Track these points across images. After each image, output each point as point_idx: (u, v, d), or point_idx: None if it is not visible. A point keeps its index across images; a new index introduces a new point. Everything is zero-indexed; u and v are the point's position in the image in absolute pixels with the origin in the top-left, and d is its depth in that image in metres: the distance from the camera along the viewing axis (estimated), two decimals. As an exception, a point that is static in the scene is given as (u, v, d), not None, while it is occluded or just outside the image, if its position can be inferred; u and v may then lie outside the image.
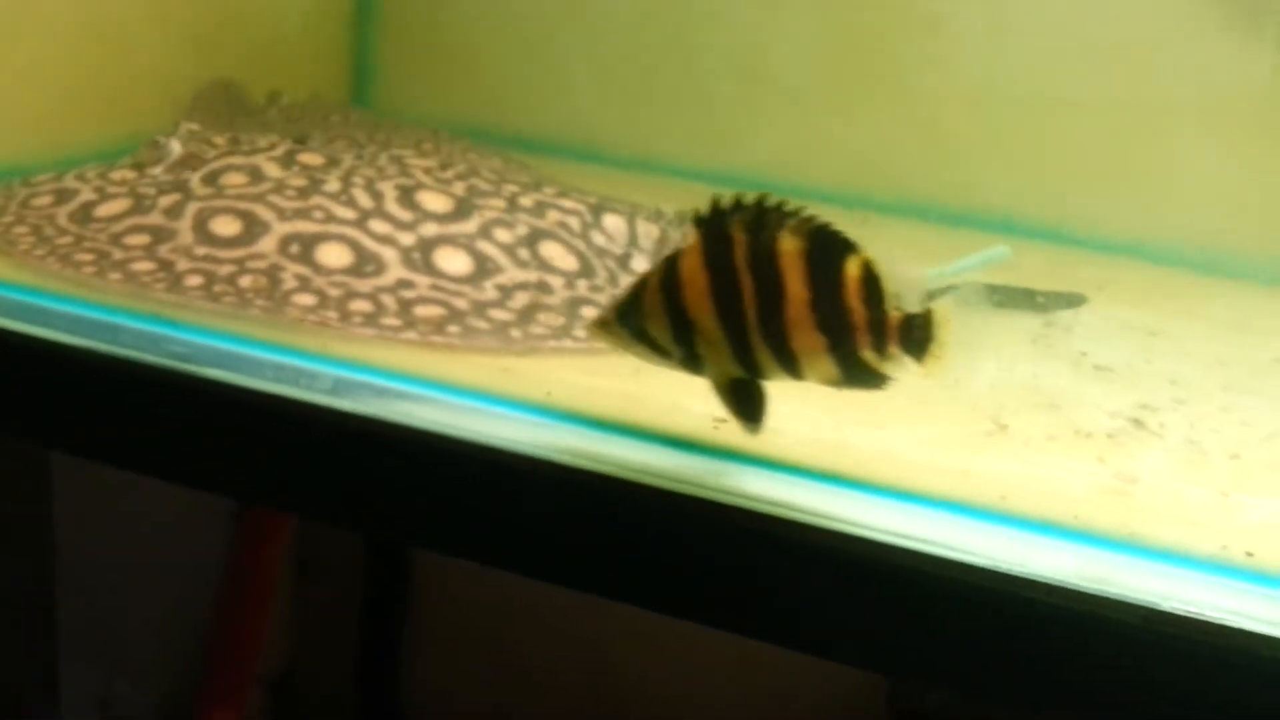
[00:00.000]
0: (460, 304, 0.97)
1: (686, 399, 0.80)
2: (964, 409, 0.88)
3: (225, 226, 1.02)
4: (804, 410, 0.80)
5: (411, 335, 0.91)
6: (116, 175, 1.11)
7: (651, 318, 0.73)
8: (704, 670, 1.81)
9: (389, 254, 1.01)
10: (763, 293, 0.70)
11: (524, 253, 1.06)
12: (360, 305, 0.94)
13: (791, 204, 0.69)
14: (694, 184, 1.68)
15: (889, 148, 1.54)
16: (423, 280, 1.00)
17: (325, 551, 2.15)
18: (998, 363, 0.95)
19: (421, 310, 0.95)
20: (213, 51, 1.45)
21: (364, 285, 0.97)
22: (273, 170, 1.09)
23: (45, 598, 1.64)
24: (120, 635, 1.74)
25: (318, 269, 0.98)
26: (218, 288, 0.94)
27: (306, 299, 0.94)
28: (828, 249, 0.69)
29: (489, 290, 1.00)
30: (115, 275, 0.95)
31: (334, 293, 0.95)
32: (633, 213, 1.17)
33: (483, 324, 0.95)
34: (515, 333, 0.95)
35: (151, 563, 1.77)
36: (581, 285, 1.05)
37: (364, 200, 1.06)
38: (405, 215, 1.06)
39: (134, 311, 0.92)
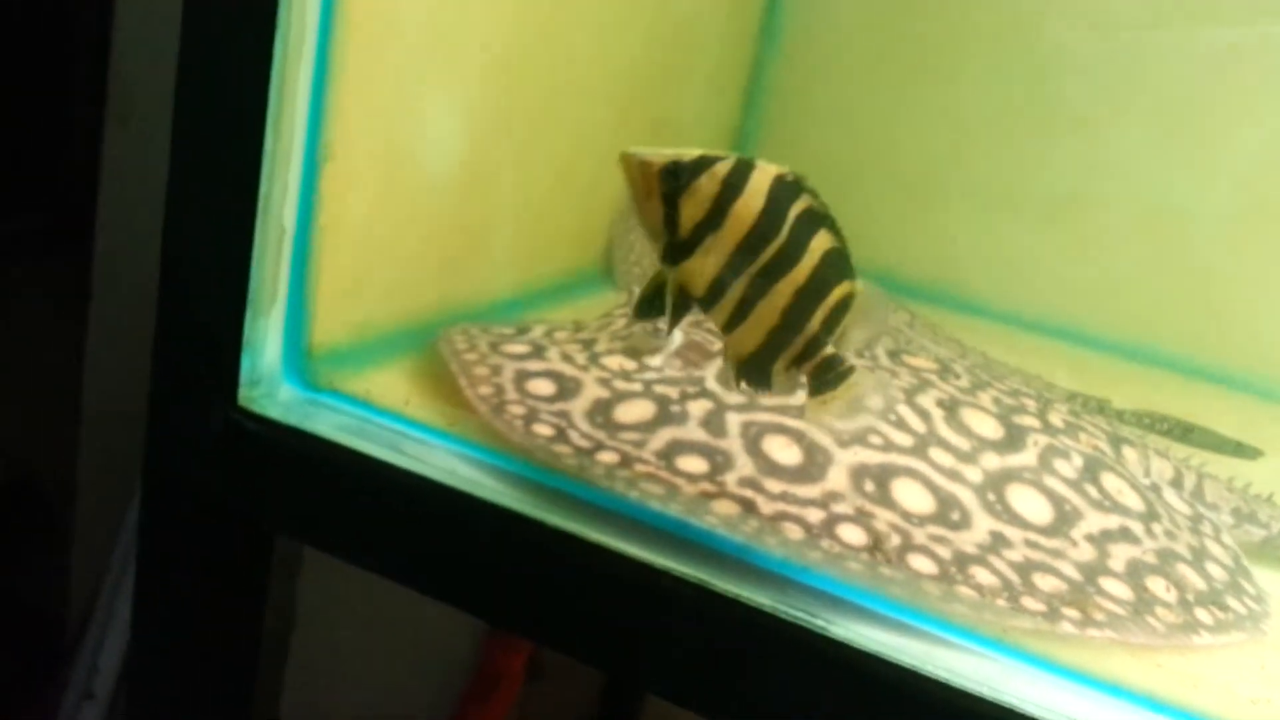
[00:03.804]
0: (1069, 569, 0.87)
1: None
2: None
3: (782, 452, 0.91)
4: None
5: (1067, 628, 0.81)
6: (614, 364, 1.01)
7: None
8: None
9: (966, 497, 0.91)
10: (778, 256, 0.76)
11: (1092, 490, 0.95)
12: (985, 577, 0.83)
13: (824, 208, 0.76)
14: (1064, 345, 1.61)
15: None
16: (1015, 534, 0.89)
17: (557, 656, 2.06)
18: None
19: (1043, 581, 0.85)
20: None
21: (965, 542, 0.86)
22: (793, 372, 0.99)
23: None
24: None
25: (906, 515, 0.88)
26: (846, 539, 0.83)
27: (928, 566, 0.83)
28: (839, 264, 0.76)
29: (1083, 546, 0.90)
30: (710, 519, 0.85)
31: (943, 552, 0.85)
32: (1144, 443, 1.07)
33: (1112, 605, 0.84)
34: (1157, 620, 0.84)
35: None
36: (1159, 532, 0.94)
37: (913, 421, 0.96)
38: (962, 443, 0.95)
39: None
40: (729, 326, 0.79)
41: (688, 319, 1.06)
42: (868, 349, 1.07)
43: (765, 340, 0.78)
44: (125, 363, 1.81)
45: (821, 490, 0.89)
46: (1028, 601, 0.81)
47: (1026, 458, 0.96)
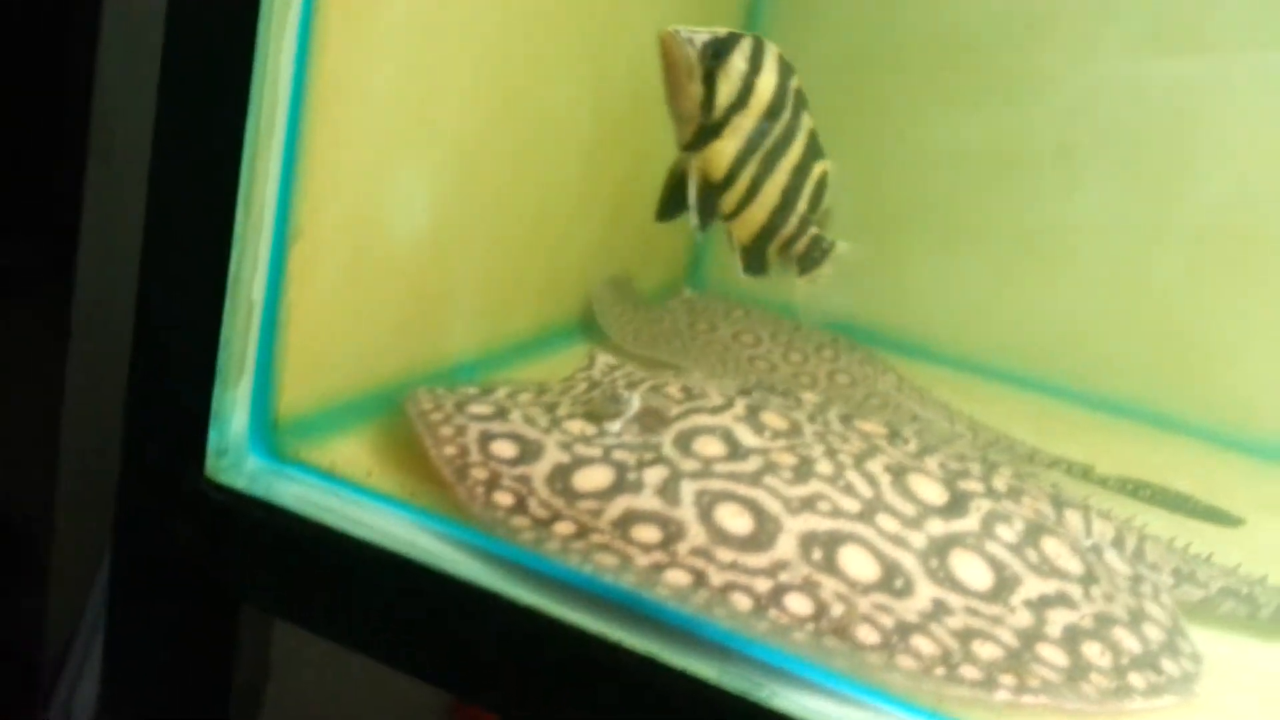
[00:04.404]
0: (1006, 636, 0.90)
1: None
2: None
3: (734, 520, 0.95)
4: None
5: (1003, 695, 0.84)
6: (575, 428, 1.04)
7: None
8: None
9: (910, 563, 0.94)
10: (783, 134, 0.80)
11: (1032, 554, 0.99)
12: (926, 646, 0.87)
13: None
14: (1029, 394, 1.65)
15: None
16: (955, 601, 0.93)
17: None
18: None
19: (981, 649, 0.88)
20: (599, 249, 1.42)
21: (907, 610, 0.90)
22: (748, 437, 1.03)
23: None
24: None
25: (851, 584, 0.91)
26: (792, 610, 0.86)
27: (870, 635, 0.86)
28: (817, 143, 0.81)
29: (1021, 612, 0.93)
30: (661, 590, 0.88)
31: (885, 620, 0.88)
32: (1086, 506, 1.10)
33: (1047, 671, 0.88)
34: (1091, 686, 0.88)
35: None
36: (1097, 595, 0.98)
37: (861, 487, 1.00)
38: (907, 509, 0.99)
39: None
40: (736, 212, 0.82)
41: (644, 385, 1.10)
42: (820, 413, 1.11)
43: (766, 221, 0.82)
44: (104, 401, 1.83)
45: (770, 559, 0.92)
46: (966, 670, 0.85)
47: (969, 523, 0.99)
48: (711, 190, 0.82)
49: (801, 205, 0.82)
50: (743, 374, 1.36)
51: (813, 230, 0.82)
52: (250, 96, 0.87)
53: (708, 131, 0.81)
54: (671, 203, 0.85)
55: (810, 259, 0.84)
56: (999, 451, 1.32)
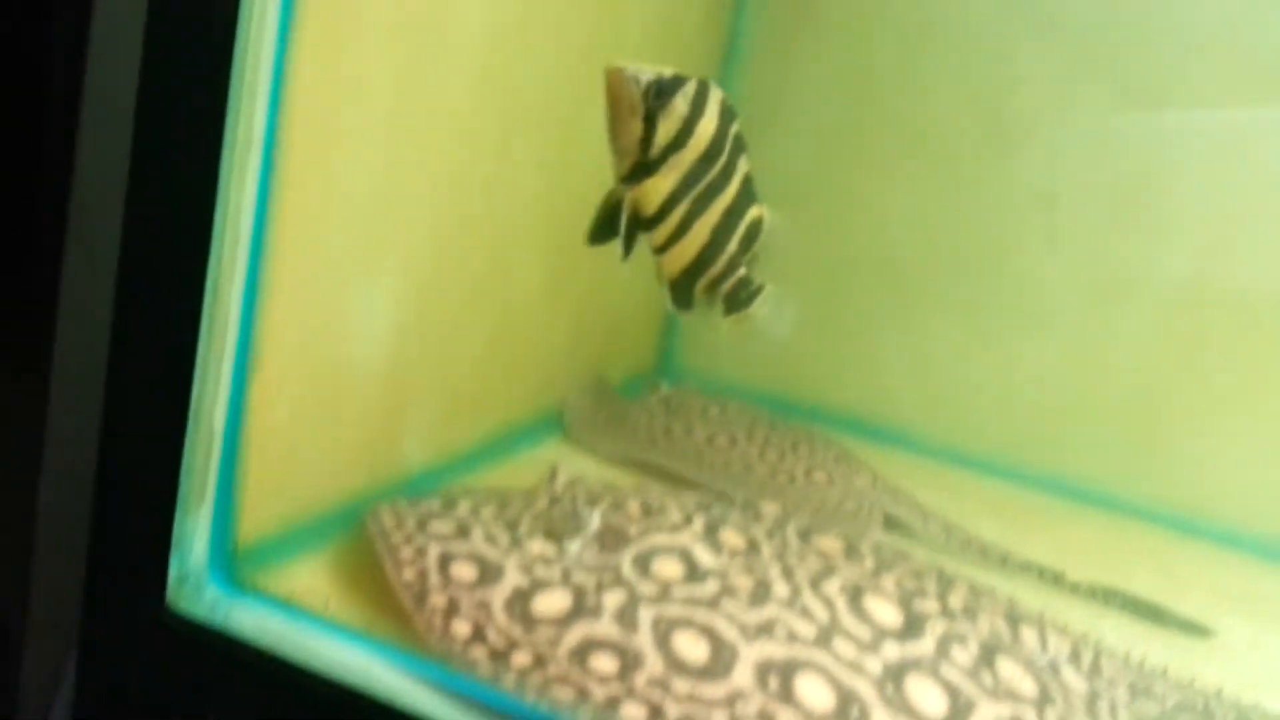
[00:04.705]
0: (961, 766, 0.91)
1: None
2: None
3: (691, 648, 0.95)
4: None
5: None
6: (535, 548, 1.05)
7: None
8: None
9: (866, 690, 0.95)
10: (719, 176, 0.83)
11: (987, 678, 1.00)
12: (879, 780, 0.87)
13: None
14: (1000, 482, 1.67)
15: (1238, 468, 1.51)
16: (911, 729, 0.93)
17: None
18: None
19: (934, 783, 0.89)
20: (567, 342, 1.44)
21: (862, 741, 0.91)
22: (705, 558, 1.04)
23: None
24: None
25: (807, 714, 0.92)
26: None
27: (824, 771, 0.87)
28: (752, 188, 0.84)
29: (975, 739, 0.94)
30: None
31: (839, 754, 0.89)
32: (1041, 621, 1.12)
33: (1000, 802, 0.89)
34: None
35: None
36: (1052, 718, 0.99)
37: (818, 610, 1.01)
38: (863, 632, 1.00)
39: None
40: (666, 246, 0.85)
41: (605, 501, 1.11)
42: (778, 528, 1.12)
43: (694, 258, 0.85)
44: (80, 483, 1.82)
45: (727, 689, 0.92)
46: (917, 807, 0.86)
47: (924, 646, 1.00)
48: (639, 223, 0.85)
49: (732, 246, 0.85)
50: (719, 479, 1.37)
51: (741, 272, 0.85)
52: (213, 234, 0.88)
53: (645, 167, 0.85)
54: (602, 230, 0.89)
55: (737, 299, 0.87)
56: (971, 555, 1.34)
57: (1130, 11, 1.54)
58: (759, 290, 0.89)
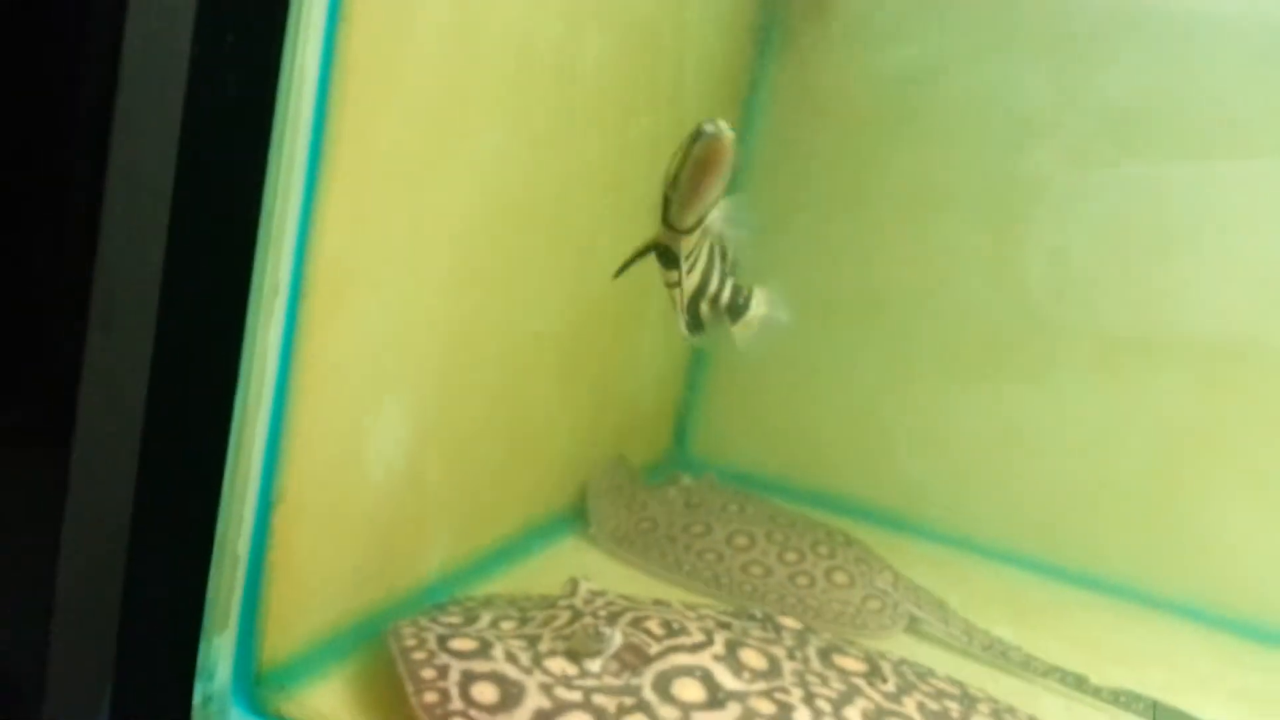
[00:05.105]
0: None
1: None
2: None
3: (711, 779, 0.96)
4: None
5: None
6: (556, 667, 1.06)
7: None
8: None
9: (886, 824, 0.95)
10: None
11: (1008, 809, 1.00)
12: None
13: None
14: (1008, 568, 1.66)
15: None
16: None
17: None
18: None
19: None
20: (583, 435, 1.46)
21: None
22: (727, 680, 1.04)
23: None
24: None
25: None
26: None
27: None
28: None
29: None
30: None
31: None
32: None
33: None
34: None
35: None
36: None
37: (839, 739, 1.01)
38: (884, 761, 1.00)
39: None
40: (679, 280, 0.92)
41: (625, 617, 1.12)
42: (799, 646, 1.12)
43: (699, 283, 0.91)
44: (100, 557, 1.84)
45: (745, 825, 0.93)
46: None
47: (946, 776, 1.00)
48: (669, 262, 0.92)
49: (720, 264, 0.92)
50: (737, 589, 1.38)
51: (731, 281, 0.93)
52: (239, 377, 0.90)
53: (700, 220, 0.89)
54: (631, 264, 0.94)
55: (737, 307, 0.94)
56: (993, 658, 1.33)
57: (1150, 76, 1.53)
58: (750, 294, 0.95)
